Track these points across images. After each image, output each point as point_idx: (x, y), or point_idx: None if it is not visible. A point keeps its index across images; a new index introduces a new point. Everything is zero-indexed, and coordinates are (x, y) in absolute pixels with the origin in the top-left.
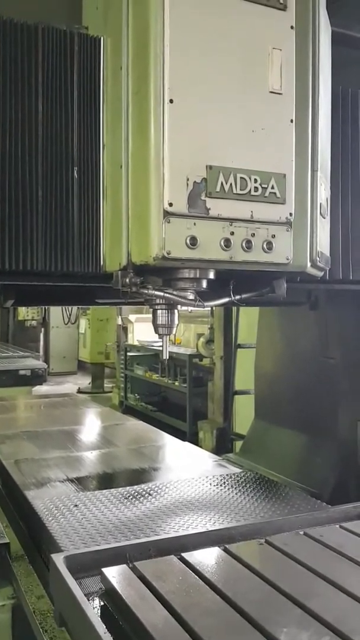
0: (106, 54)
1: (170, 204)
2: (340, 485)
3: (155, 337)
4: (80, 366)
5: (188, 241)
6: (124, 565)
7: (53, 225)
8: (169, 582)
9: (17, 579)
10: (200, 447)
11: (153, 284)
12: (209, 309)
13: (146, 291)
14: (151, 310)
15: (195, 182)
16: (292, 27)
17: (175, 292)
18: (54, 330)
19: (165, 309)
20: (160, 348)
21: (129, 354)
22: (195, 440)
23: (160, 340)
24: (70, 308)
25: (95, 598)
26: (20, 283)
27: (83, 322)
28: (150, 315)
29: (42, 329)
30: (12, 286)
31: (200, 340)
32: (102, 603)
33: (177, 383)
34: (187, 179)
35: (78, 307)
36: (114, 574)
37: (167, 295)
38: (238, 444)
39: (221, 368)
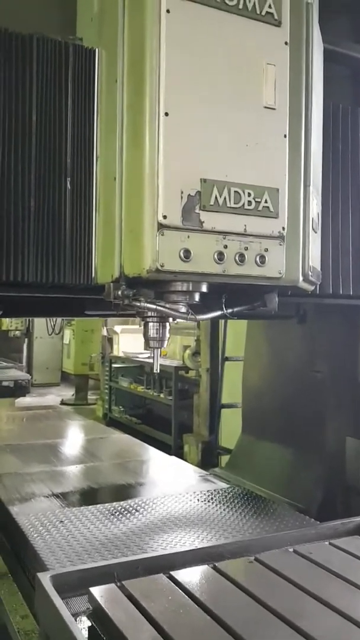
0: (101, 66)
1: (165, 217)
2: (327, 500)
3: (141, 348)
4: (63, 377)
5: (182, 254)
6: (112, 585)
7: (44, 236)
8: (157, 602)
9: (0, 598)
10: (185, 460)
11: (145, 297)
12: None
13: (138, 304)
14: (142, 322)
15: (189, 195)
16: (286, 43)
17: (167, 305)
18: (38, 341)
19: (156, 322)
20: (146, 360)
21: (114, 365)
22: (180, 454)
23: (147, 352)
24: (54, 318)
25: (82, 618)
26: (9, 294)
27: (67, 333)
28: (136, 327)
29: (26, 340)
30: (0, 297)
31: (186, 352)
32: (89, 623)
33: (162, 395)
34: (182, 192)
35: (62, 318)
36: (101, 593)
37: (159, 308)
38: (224, 458)
39: (207, 380)
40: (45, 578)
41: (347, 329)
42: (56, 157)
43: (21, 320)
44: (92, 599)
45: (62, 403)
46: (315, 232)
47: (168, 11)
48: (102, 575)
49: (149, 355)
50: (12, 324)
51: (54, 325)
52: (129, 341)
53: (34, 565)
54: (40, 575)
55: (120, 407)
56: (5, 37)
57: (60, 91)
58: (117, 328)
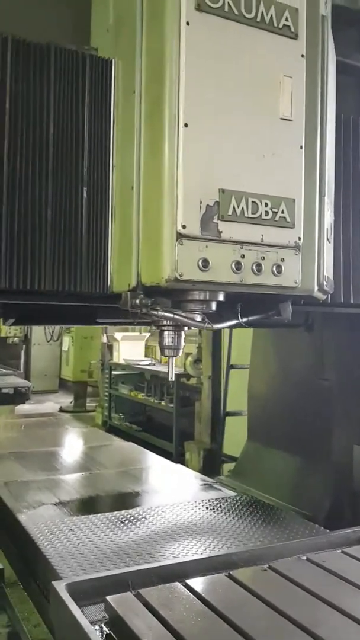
0: (117, 76)
1: (184, 227)
2: (335, 508)
3: (141, 355)
4: (61, 384)
5: (200, 263)
6: (128, 593)
7: (61, 245)
8: (175, 610)
9: (12, 607)
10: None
11: (162, 306)
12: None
13: (156, 313)
14: (158, 331)
15: (208, 205)
16: (302, 56)
17: (184, 314)
18: (36, 348)
19: (172, 331)
20: (147, 367)
21: (113, 372)
22: (181, 461)
23: (147, 359)
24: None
25: (98, 627)
26: (23, 302)
27: (66, 340)
28: (137, 334)
29: (24, 346)
30: (14, 305)
31: (187, 359)
32: (106, 632)
33: (163, 403)
34: (200, 202)
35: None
36: (118, 601)
37: (176, 317)
38: (226, 466)
39: (209, 388)
40: (60, 586)
41: (355, 337)
42: (73, 167)
43: (20, 327)
44: (109, 607)
45: (61, 410)
46: (329, 242)
47: (188, 23)
48: (116, 584)
49: (149, 362)
50: (10, 331)
51: (52, 332)
52: (129, 348)
53: (45, 573)
54: (55, 583)
55: (120, 414)
56: (23, 47)
57: (77, 101)
58: (118, 335)
